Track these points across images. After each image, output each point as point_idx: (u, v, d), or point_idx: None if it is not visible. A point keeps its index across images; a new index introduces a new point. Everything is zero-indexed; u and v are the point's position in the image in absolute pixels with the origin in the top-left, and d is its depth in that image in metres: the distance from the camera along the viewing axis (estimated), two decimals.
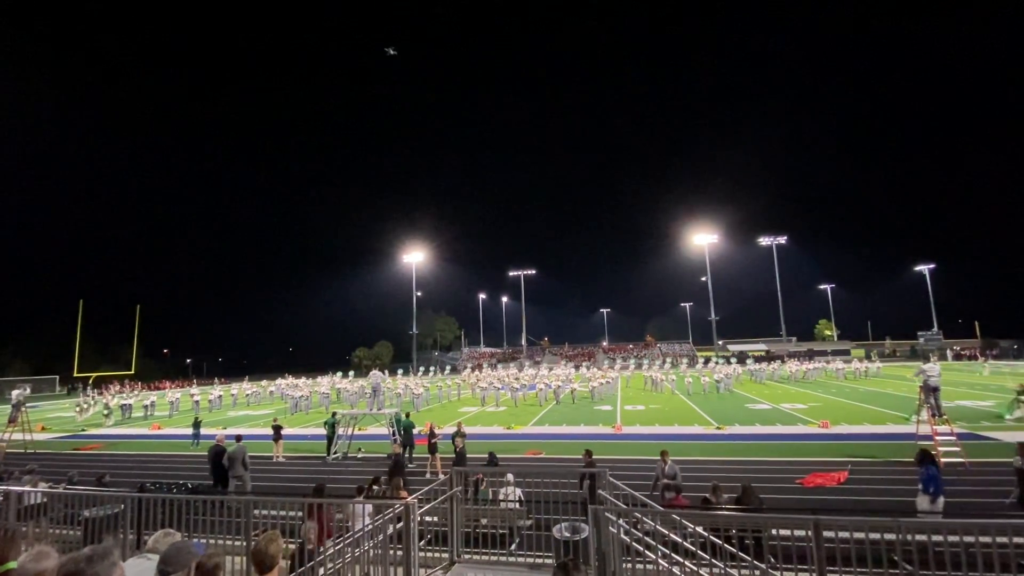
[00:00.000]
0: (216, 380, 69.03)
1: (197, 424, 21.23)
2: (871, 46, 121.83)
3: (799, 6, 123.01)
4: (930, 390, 13.93)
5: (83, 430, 27.00)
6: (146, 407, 32.97)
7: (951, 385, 31.32)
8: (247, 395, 41.02)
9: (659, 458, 10.30)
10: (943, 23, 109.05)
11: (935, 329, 74.35)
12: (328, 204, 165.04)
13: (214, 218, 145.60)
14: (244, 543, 5.58)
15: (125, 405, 32.77)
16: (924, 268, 76.07)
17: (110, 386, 54.96)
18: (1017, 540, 4.00)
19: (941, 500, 8.46)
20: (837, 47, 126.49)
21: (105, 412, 30.65)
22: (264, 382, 46.95)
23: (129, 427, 27.96)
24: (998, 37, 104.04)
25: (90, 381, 54.50)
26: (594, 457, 10.66)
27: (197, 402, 35.18)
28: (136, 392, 48.61)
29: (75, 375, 52.53)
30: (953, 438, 13.24)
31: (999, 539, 4.04)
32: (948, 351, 67.54)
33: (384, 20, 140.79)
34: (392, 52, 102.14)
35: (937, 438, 13.18)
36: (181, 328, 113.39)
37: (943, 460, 12.69)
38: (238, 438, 13.27)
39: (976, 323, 75.30)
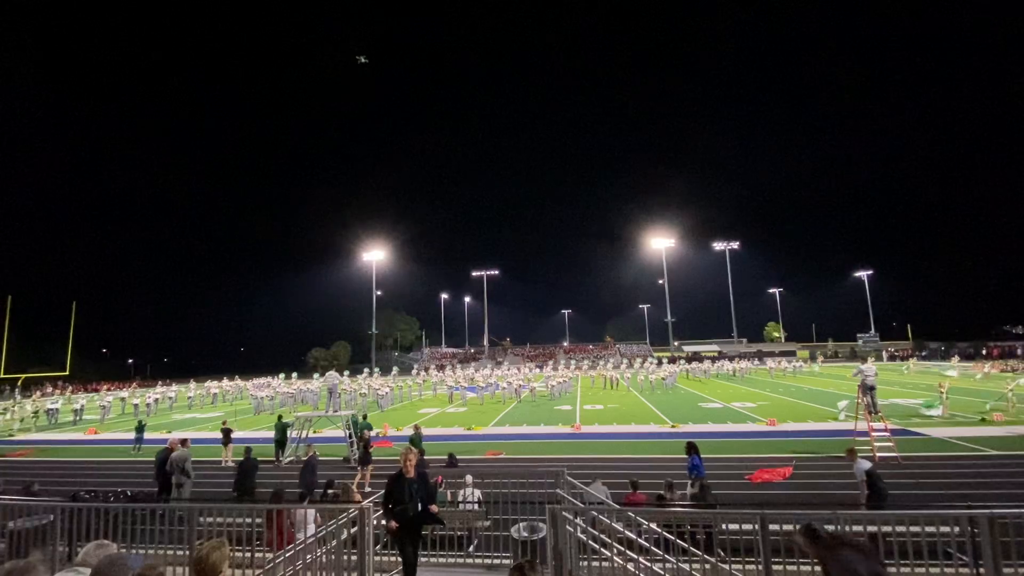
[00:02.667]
0: (140, 379, 65.40)
1: (141, 428, 20.08)
2: (818, 60, 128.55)
3: (751, 18, 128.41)
4: (867, 389, 14.82)
5: (10, 435, 25.09)
6: (76, 411, 30.93)
7: (885, 384, 33.39)
8: (189, 398, 39.09)
9: None
10: (885, 36, 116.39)
11: (872, 332, 79.09)
12: (285, 199, 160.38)
13: (160, 210, 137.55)
14: (188, 553, 5.32)
15: (51, 410, 30.52)
16: (863, 274, 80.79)
17: (37, 389, 51.27)
18: (944, 528, 4.29)
19: (699, 484, 9.46)
20: (786, 60, 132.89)
21: (36, 416, 28.58)
22: (192, 384, 44.61)
23: (61, 432, 26.14)
24: (940, 52, 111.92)
25: (19, 383, 50.73)
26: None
27: (136, 405, 33.21)
28: (60, 395, 45.02)
29: (1, 376, 48.78)
30: (887, 434, 14.10)
31: (928, 528, 4.33)
32: (884, 352, 71.89)
33: (348, 22, 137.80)
34: (363, 60, 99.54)
35: (873, 434, 14.01)
36: (122, 326, 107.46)
37: (878, 455, 13.49)
38: (183, 442, 12.62)
39: (909, 326, 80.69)
